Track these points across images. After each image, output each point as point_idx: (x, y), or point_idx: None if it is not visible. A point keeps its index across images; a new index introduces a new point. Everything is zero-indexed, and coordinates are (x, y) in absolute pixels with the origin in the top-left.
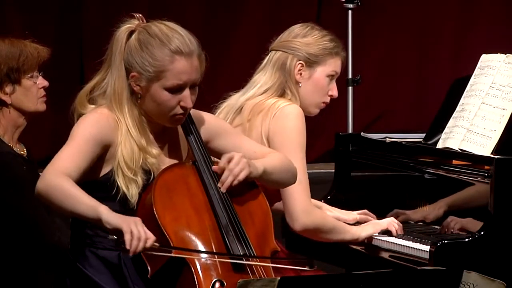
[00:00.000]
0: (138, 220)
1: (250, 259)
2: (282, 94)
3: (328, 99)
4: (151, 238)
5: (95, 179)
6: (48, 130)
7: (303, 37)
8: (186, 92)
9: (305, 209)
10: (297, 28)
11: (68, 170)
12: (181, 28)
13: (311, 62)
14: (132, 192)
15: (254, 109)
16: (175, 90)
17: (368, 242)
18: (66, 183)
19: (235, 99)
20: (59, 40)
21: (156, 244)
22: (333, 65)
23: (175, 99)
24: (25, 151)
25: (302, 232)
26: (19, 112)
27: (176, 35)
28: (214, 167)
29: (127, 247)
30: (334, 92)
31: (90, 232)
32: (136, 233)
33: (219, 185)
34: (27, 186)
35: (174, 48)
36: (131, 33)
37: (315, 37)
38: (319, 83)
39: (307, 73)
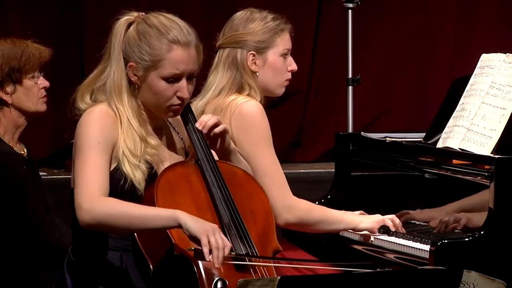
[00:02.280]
0: (215, 227)
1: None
2: (239, 90)
3: (289, 75)
4: (227, 245)
5: None
6: (49, 130)
7: (246, 27)
8: (183, 82)
9: (285, 205)
10: (237, 19)
11: (102, 189)
12: (179, 19)
13: (261, 48)
14: (139, 178)
15: (215, 111)
16: (172, 79)
17: (365, 241)
18: (121, 205)
19: (194, 106)
20: (59, 40)
21: (232, 252)
22: (282, 43)
23: (172, 89)
24: (25, 151)
25: (286, 227)
26: (20, 112)
27: (174, 25)
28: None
29: (207, 259)
30: (293, 66)
31: (91, 232)
32: (213, 242)
33: (197, 125)
34: (27, 186)
35: (172, 38)
36: (130, 24)
37: (257, 23)
38: (276, 65)
39: (260, 60)
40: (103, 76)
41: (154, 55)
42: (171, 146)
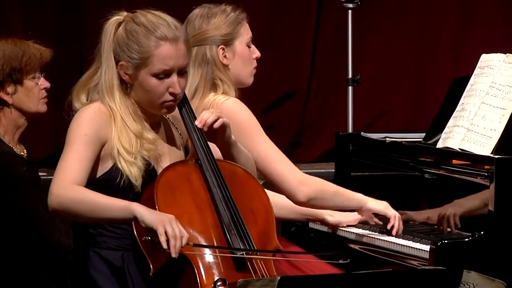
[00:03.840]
0: (172, 218)
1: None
2: (213, 86)
3: (255, 63)
4: (185, 235)
5: (93, 178)
6: (48, 131)
7: (208, 23)
8: (174, 78)
9: (300, 180)
10: (196, 18)
11: (77, 178)
12: (167, 16)
13: (228, 41)
14: (135, 174)
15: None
16: (162, 76)
17: (366, 241)
18: (85, 193)
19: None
20: (59, 40)
21: (190, 243)
22: (245, 32)
23: (163, 85)
24: (25, 152)
25: (306, 203)
26: (20, 113)
27: (161, 21)
28: (196, 122)
29: (164, 247)
30: (258, 53)
31: (93, 232)
32: (170, 232)
33: (196, 123)
34: (27, 186)
35: (159, 35)
36: (119, 24)
37: (219, 16)
38: (244, 55)
39: (230, 53)
40: (96, 76)
41: (143, 53)
42: (170, 141)
